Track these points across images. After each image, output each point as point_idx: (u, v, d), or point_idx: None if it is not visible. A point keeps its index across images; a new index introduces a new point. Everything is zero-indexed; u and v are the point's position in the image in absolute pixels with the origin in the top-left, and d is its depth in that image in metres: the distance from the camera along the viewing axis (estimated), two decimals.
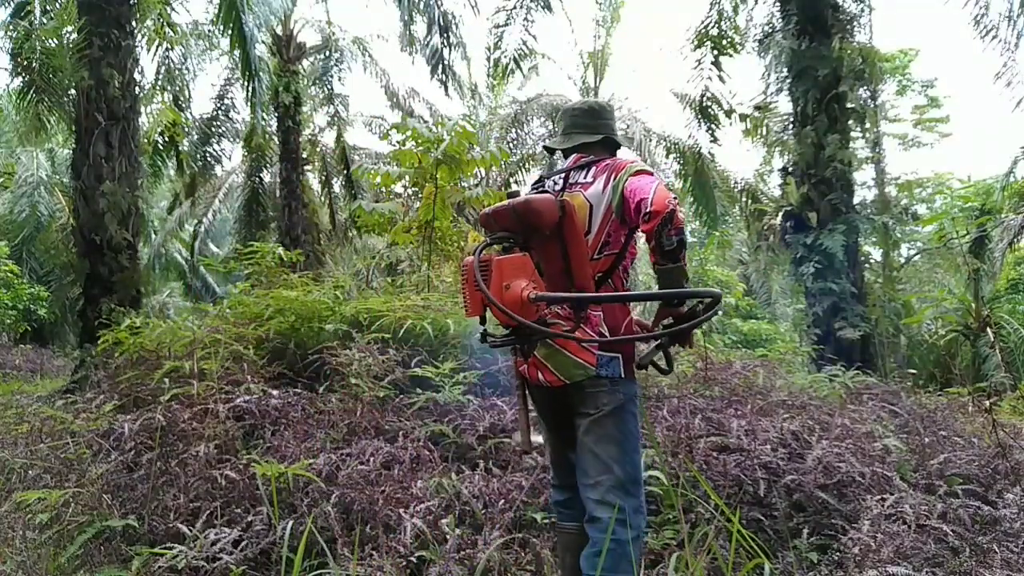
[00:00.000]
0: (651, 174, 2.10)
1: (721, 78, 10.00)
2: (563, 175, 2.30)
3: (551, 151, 2.45)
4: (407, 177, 7.89)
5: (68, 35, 8.16)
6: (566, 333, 2.03)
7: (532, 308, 1.93)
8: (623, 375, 2.13)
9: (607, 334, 2.12)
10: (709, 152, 11.93)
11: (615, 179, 2.13)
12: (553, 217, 2.02)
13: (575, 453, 2.21)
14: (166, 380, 3.97)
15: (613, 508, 2.04)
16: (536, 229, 2.04)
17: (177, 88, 11.60)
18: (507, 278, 1.93)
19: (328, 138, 17.52)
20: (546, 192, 2.24)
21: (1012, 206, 13.93)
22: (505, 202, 2.09)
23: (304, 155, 16.13)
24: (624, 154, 2.45)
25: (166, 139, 11.57)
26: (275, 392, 3.96)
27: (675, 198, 1.98)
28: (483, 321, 2.10)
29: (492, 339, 2.12)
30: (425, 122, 10.75)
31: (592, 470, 2.11)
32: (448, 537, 2.67)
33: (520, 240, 2.10)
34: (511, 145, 17.20)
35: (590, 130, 2.37)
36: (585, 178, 2.24)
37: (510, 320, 1.91)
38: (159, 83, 11.06)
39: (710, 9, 9.83)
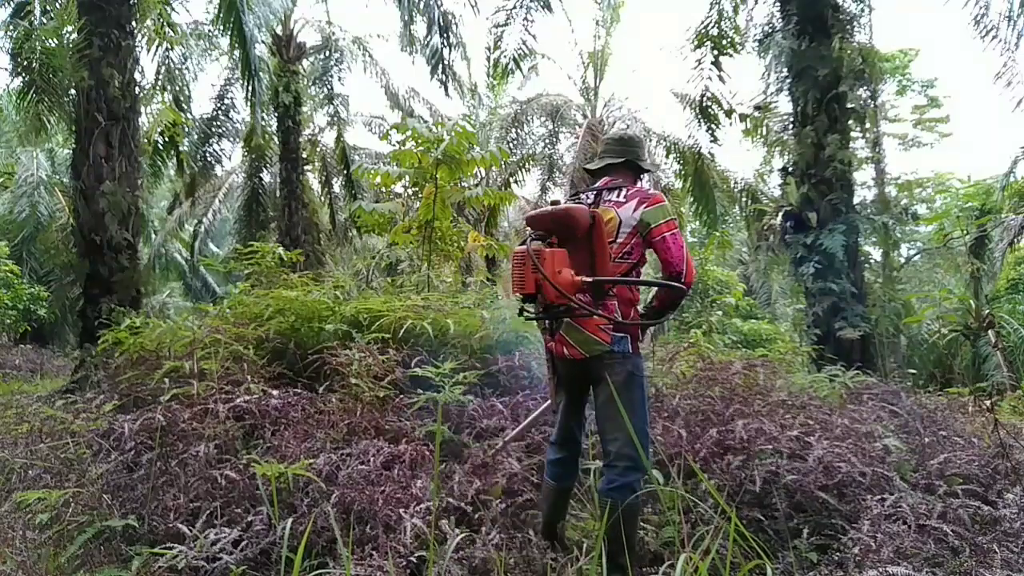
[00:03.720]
0: (676, 224, 2.72)
1: (721, 78, 9.98)
2: (595, 192, 2.86)
3: (588, 172, 3.05)
4: (407, 177, 7.89)
5: (68, 35, 8.13)
6: (595, 312, 2.53)
7: (579, 290, 2.51)
8: (631, 351, 2.70)
9: (620, 319, 2.70)
10: (709, 152, 11.92)
11: (646, 209, 2.71)
12: (586, 223, 2.57)
13: (578, 421, 2.88)
14: (166, 380, 3.97)
15: (626, 457, 2.59)
16: (571, 231, 2.58)
17: (177, 88, 11.58)
18: (558, 266, 2.49)
19: (328, 138, 17.54)
20: (580, 203, 2.79)
21: (1012, 206, 13.95)
22: (545, 208, 2.64)
23: (304, 155, 16.12)
24: (651, 185, 2.77)
25: (166, 139, 11.53)
26: (275, 392, 3.96)
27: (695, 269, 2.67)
28: (524, 300, 2.60)
29: (528, 313, 2.67)
30: (425, 122, 10.72)
31: (611, 429, 2.65)
32: (448, 536, 2.67)
33: (552, 239, 2.62)
34: (511, 145, 17.19)
35: (616, 154, 2.97)
36: (618, 197, 2.79)
37: (562, 298, 2.46)
38: (159, 83, 11.04)
39: (710, 9, 9.82)
